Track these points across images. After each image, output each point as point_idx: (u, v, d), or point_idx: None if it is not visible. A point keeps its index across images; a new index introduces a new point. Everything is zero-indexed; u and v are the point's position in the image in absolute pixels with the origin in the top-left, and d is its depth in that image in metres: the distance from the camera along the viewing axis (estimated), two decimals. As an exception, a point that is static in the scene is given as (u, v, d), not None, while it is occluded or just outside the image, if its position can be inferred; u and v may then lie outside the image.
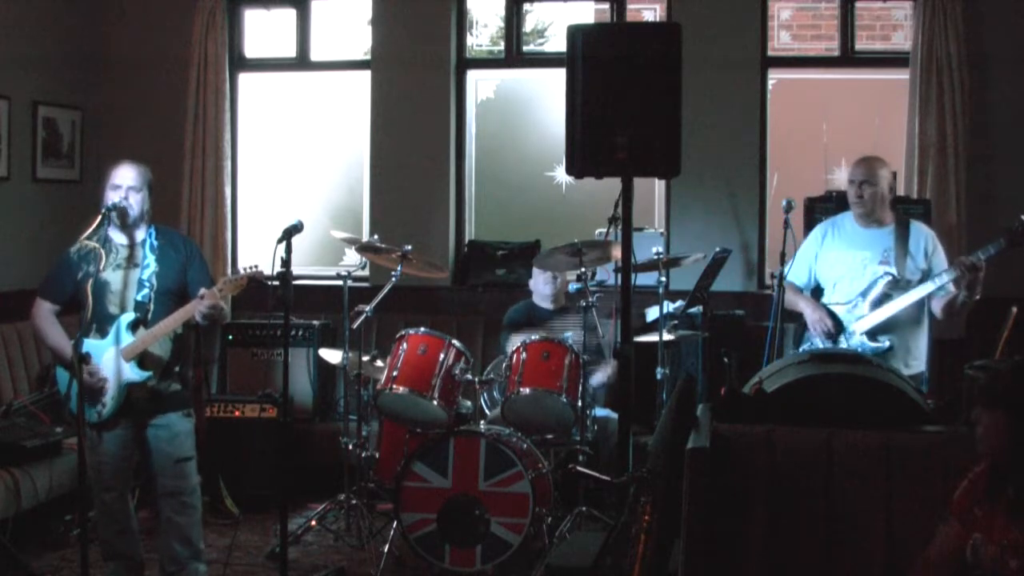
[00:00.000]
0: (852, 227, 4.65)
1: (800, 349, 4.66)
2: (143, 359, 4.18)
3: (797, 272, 4.78)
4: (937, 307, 4.52)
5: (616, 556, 3.17)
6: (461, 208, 6.87)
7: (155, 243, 4.27)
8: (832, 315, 4.55)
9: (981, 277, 4.30)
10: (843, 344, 4.49)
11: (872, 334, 4.47)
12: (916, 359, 4.52)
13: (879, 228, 4.58)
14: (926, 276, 4.48)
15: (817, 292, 4.78)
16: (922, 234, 4.59)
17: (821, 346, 4.54)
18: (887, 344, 4.42)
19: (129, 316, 4.18)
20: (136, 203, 4.20)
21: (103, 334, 4.18)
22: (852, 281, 4.56)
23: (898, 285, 4.46)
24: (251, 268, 4.22)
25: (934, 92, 5.96)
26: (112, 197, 4.17)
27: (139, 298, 4.20)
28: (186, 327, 4.25)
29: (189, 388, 4.42)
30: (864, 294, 4.50)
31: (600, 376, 5.31)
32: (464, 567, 4.60)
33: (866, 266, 4.53)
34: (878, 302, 4.47)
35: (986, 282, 4.38)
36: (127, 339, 4.16)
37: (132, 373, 4.16)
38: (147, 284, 4.21)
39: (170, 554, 4.30)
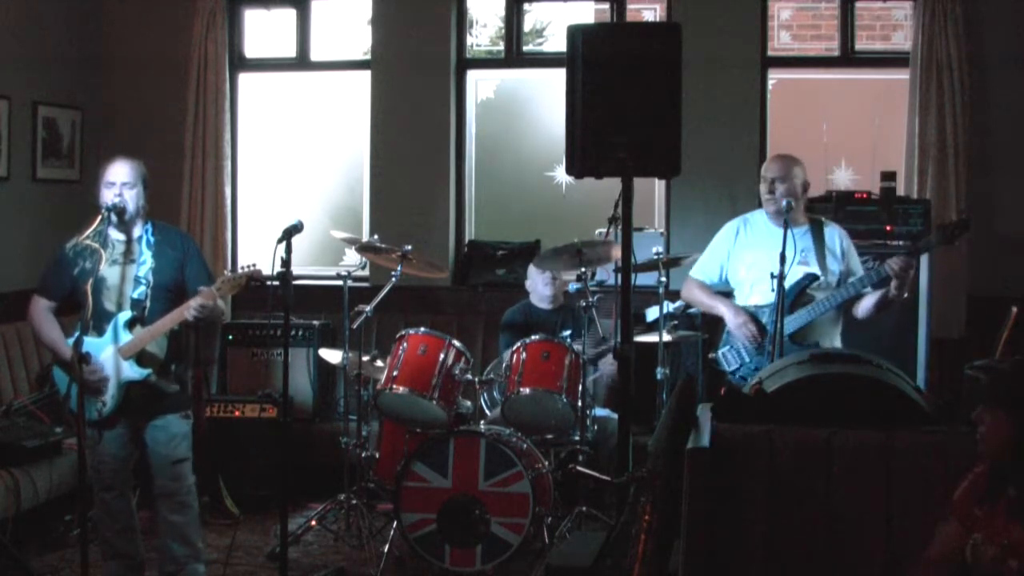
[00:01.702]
0: (766, 226, 4.48)
1: (719, 353, 4.53)
2: (140, 357, 4.18)
3: (707, 270, 4.64)
4: (863, 308, 4.37)
5: (616, 556, 3.17)
6: (461, 208, 6.87)
7: (152, 239, 4.26)
8: (755, 318, 4.40)
9: (912, 275, 4.20)
10: (768, 347, 4.29)
11: (796, 336, 4.33)
12: None
13: (794, 228, 4.39)
14: (845, 276, 4.38)
15: (728, 294, 4.64)
16: (836, 233, 4.49)
17: (743, 351, 4.42)
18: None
19: (126, 314, 4.18)
20: (131, 199, 4.20)
21: (100, 332, 4.18)
22: (772, 282, 4.31)
23: (819, 286, 4.35)
24: (250, 267, 4.22)
25: (934, 92, 5.96)
26: (107, 195, 4.18)
27: (135, 295, 4.20)
28: (183, 325, 4.24)
29: (188, 389, 4.42)
30: (787, 295, 4.32)
31: (603, 367, 5.29)
32: (464, 567, 4.60)
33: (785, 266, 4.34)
34: (799, 303, 4.33)
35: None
36: (125, 337, 4.16)
37: (131, 371, 4.16)
38: (143, 281, 4.21)
39: (169, 554, 4.30)
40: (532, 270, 5.58)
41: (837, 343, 4.43)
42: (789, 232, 4.23)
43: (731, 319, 4.47)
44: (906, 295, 4.30)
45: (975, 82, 5.99)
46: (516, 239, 6.73)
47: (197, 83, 6.68)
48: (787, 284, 4.31)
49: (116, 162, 4.26)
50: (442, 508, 4.61)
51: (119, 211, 4.16)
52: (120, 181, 4.20)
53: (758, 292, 4.46)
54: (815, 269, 4.39)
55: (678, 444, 2.98)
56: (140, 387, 4.20)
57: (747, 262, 4.52)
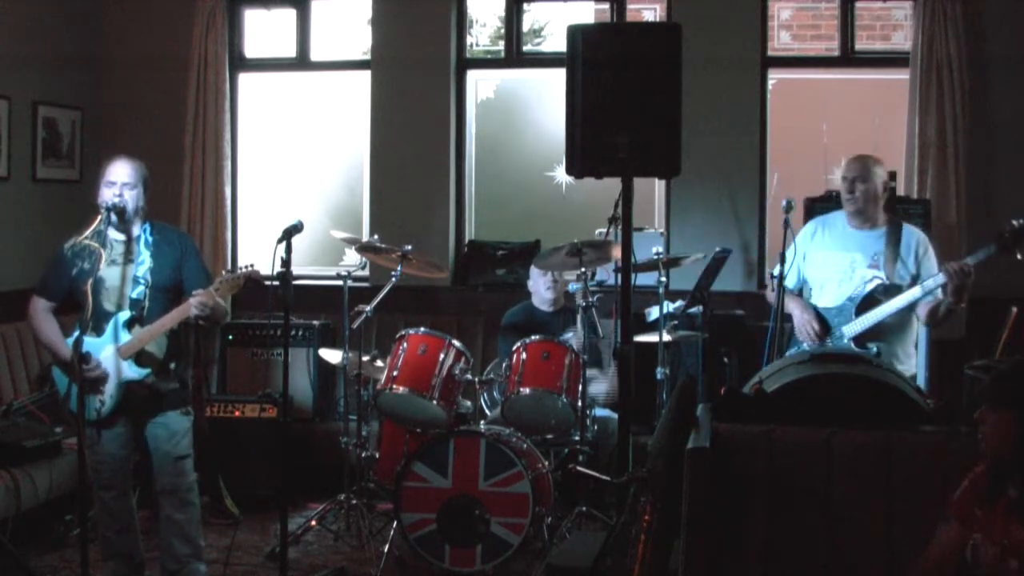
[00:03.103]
0: (843, 228, 4.50)
1: (788, 352, 4.50)
2: (139, 357, 4.18)
3: (786, 271, 4.64)
4: (923, 312, 4.38)
5: (616, 556, 3.17)
6: (461, 208, 6.87)
7: (150, 239, 4.26)
8: (821, 318, 4.41)
9: (969, 284, 4.17)
10: (829, 344, 4.35)
11: (860, 339, 4.33)
12: (904, 364, 4.37)
13: (871, 230, 4.43)
14: (915, 280, 4.35)
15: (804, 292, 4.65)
16: (914, 237, 4.45)
17: (808, 349, 4.39)
18: (875, 350, 4.26)
19: (125, 314, 4.18)
20: (131, 199, 4.19)
21: (99, 332, 4.18)
22: (840, 284, 4.41)
23: (887, 291, 4.33)
24: (248, 267, 4.22)
25: (934, 92, 5.96)
26: (107, 194, 4.17)
27: (134, 295, 4.20)
28: (183, 325, 4.24)
29: (187, 386, 4.42)
30: (852, 299, 4.36)
31: (600, 385, 5.30)
32: (464, 567, 4.60)
33: (855, 269, 4.39)
34: (866, 307, 4.33)
35: (986, 282, 4.34)
36: (124, 337, 4.16)
37: (130, 371, 4.16)
38: (142, 281, 4.20)
39: (171, 552, 4.29)
40: (534, 271, 5.57)
41: (910, 346, 4.44)
42: (862, 234, 4.40)
43: (797, 316, 4.49)
44: (963, 305, 4.27)
45: (975, 82, 5.99)
46: (516, 239, 6.73)
47: (197, 83, 6.68)
48: (853, 287, 4.37)
49: (117, 162, 4.26)
50: (442, 508, 4.61)
51: (119, 211, 4.15)
52: (121, 181, 4.19)
53: (827, 293, 4.47)
54: (883, 274, 4.36)
55: (678, 444, 2.97)
56: (139, 387, 4.20)
57: (818, 262, 4.54)
